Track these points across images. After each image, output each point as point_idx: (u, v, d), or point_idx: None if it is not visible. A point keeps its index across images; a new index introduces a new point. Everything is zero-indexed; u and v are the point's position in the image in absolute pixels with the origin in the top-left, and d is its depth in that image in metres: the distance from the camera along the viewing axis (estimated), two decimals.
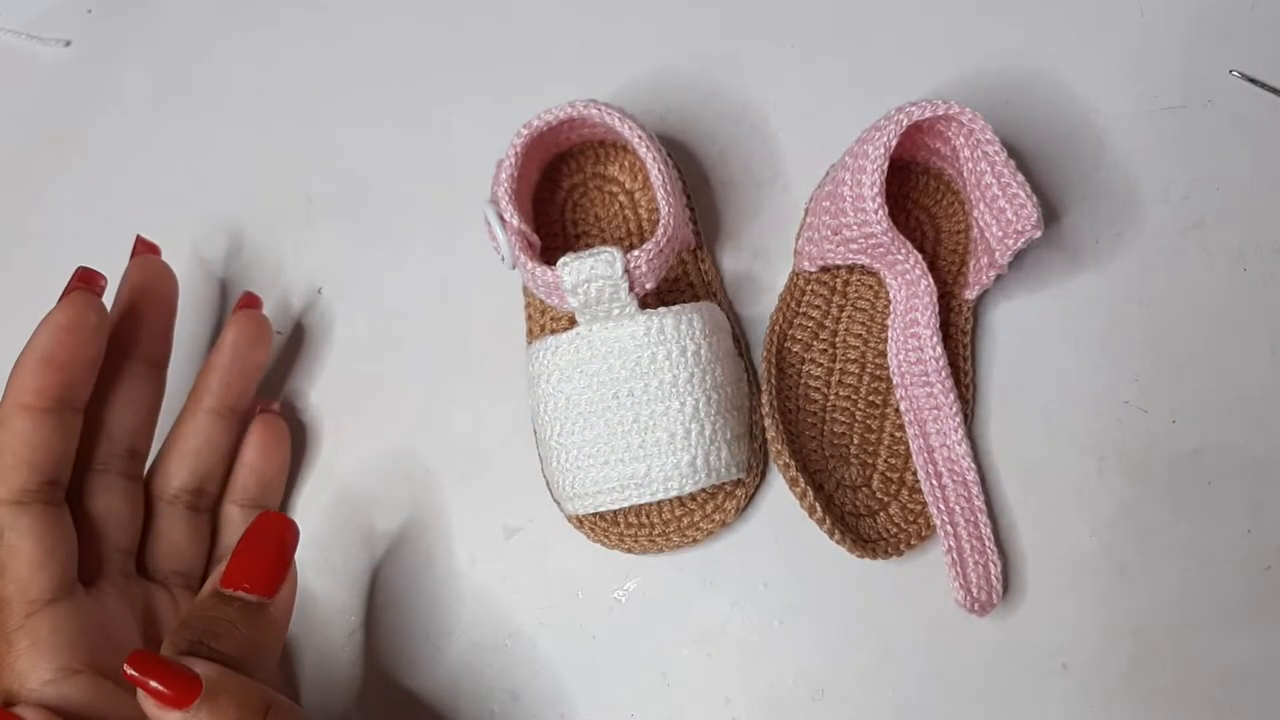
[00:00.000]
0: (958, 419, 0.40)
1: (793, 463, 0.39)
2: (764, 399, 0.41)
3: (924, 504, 0.40)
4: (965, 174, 0.40)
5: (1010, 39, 0.46)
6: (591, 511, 0.40)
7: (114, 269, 0.48)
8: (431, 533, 0.43)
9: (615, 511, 0.41)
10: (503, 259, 0.40)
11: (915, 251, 0.39)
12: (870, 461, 0.41)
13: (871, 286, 0.43)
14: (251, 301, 0.43)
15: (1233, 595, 0.40)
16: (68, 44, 0.52)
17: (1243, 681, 0.39)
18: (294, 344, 0.46)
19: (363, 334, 0.46)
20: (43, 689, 0.33)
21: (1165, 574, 0.40)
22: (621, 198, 0.45)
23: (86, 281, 0.37)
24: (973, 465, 0.40)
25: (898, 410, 0.41)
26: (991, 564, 0.39)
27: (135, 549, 0.39)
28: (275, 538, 0.34)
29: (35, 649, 0.33)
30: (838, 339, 0.43)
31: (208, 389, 0.41)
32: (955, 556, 0.39)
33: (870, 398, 0.42)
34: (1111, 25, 0.46)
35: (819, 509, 0.38)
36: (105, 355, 0.37)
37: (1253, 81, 0.44)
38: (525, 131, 0.39)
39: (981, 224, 0.39)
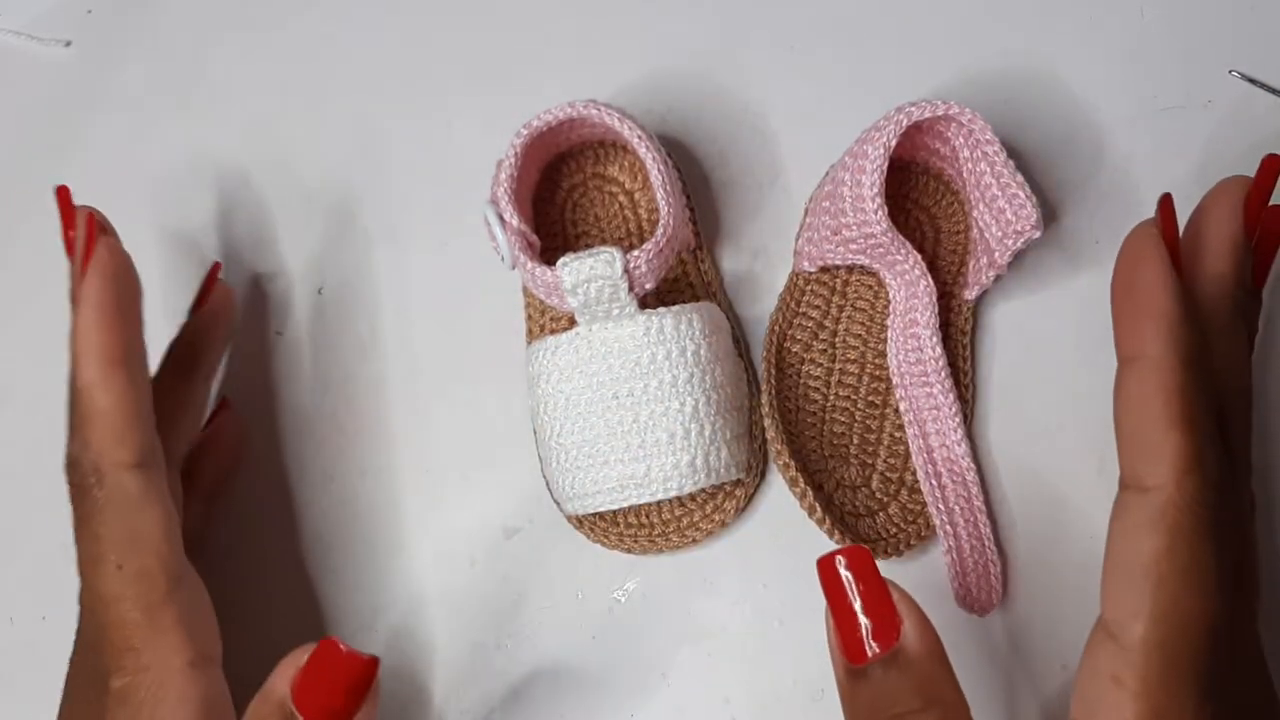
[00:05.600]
0: (957, 419, 0.40)
1: (792, 463, 0.39)
2: (764, 399, 0.41)
3: (923, 504, 0.40)
4: (965, 174, 0.40)
5: (1010, 39, 0.46)
6: (591, 512, 0.40)
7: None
8: (431, 533, 0.43)
9: (615, 512, 0.41)
10: (502, 259, 0.40)
11: (915, 252, 0.39)
12: (870, 462, 0.41)
13: (871, 287, 0.43)
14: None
15: None
16: (68, 44, 0.52)
17: None
18: (294, 344, 0.46)
19: (363, 334, 0.46)
20: (190, 671, 0.32)
21: None
22: (621, 198, 0.45)
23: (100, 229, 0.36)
24: (972, 465, 0.40)
25: (897, 410, 0.41)
26: (991, 564, 0.39)
27: None
28: (344, 675, 0.30)
29: (180, 627, 0.32)
30: (837, 339, 0.43)
31: None
32: (955, 557, 0.39)
33: (870, 398, 0.42)
34: (1111, 26, 0.46)
35: (819, 509, 0.38)
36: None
37: (1253, 82, 0.44)
38: (525, 132, 0.39)
39: (981, 224, 0.39)
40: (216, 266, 0.43)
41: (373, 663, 0.31)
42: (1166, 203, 0.31)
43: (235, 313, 0.44)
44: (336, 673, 0.30)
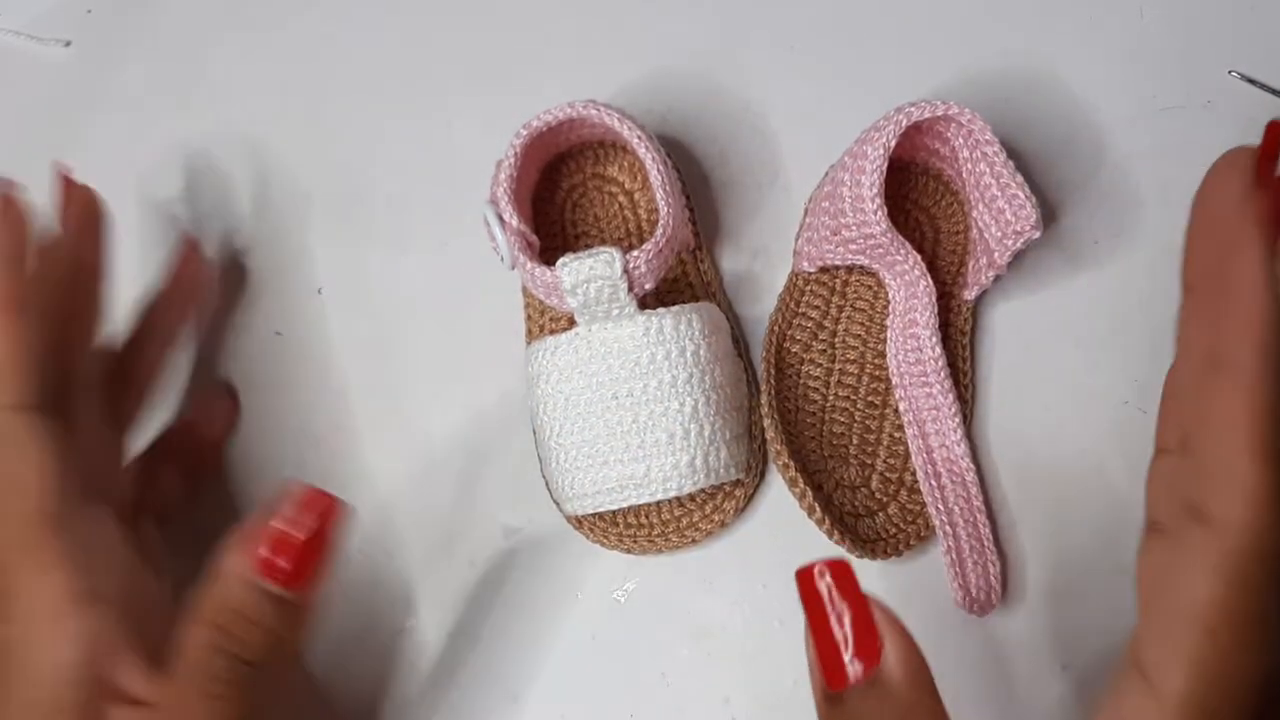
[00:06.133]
0: (957, 419, 0.40)
1: (792, 463, 0.39)
2: (763, 399, 0.41)
3: (923, 504, 0.40)
4: (964, 174, 0.40)
5: (1010, 39, 0.46)
6: (591, 512, 0.40)
7: (113, 269, 0.48)
8: (431, 533, 0.43)
9: (614, 512, 0.41)
10: (502, 259, 0.40)
11: (914, 252, 0.39)
12: (869, 462, 0.41)
13: (870, 287, 0.43)
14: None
15: None
16: (68, 44, 0.52)
17: None
18: (294, 344, 0.46)
19: (363, 334, 0.46)
20: (74, 609, 0.30)
21: None
22: (621, 198, 0.45)
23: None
24: (972, 465, 0.40)
25: (897, 410, 0.41)
26: (990, 564, 0.39)
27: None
28: (318, 519, 0.30)
29: (64, 564, 0.30)
30: (837, 339, 0.43)
31: None
32: (954, 557, 0.39)
33: (869, 398, 0.42)
34: (1111, 26, 0.46)
35: (818, 509, 0.38)
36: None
37: (1252, 82, 0.44)
38: (525, 132, 0.39)
39: (981, 224, 0.39)
40: (188, 241, 0.44)
41: (340, 505, 0.31)
42: (1274, 131, 0.25)
43: (206, 286, 0.45)
44: (310, 520, 0.30)
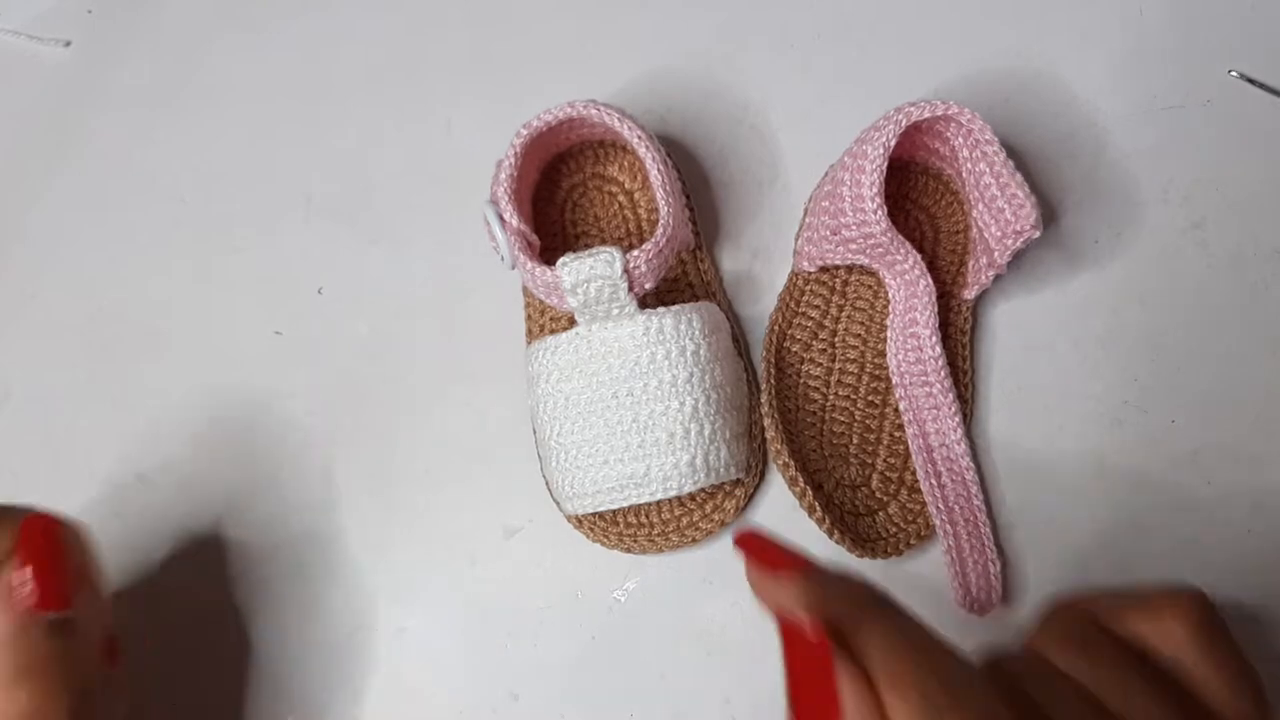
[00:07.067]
0: (957, 419, 0.40)
1: (792, 462, 0.39)
2: (763, 399, 0.41)
3: (923, 504, 0.40)
4: (964, 174, 0.40)
5: (1010, 39, 0.46)
6: (591, 511, 0.40)
7: (113, 269, 0.48)
8: (431, 533, 0.43)
9: (615, 511, 0.41)
10: (502, 259, 0.40)
11: (914, 251, 0.39)
12: (869, 461, 0.41)
13: (871, 286, 0.43)
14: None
15: (1232, 596, 0.40)
16: (68, 44, 0.52)
17: None
18: (294, 344, 0.46)
19: (363, 334, 0.46)
20: None
21: (1165, 574, 0.40)
22: (621, 198, 0.45)
23: None
24: (972, 465, 0.40)
25: (897, 410, 0.41)
26: (991, 564, 0.39)
27: None
28: (47, 544, 0.31)
29: None
30: (837, 339, 0.43)
31: None
32: (954, 556, 0.39)
33: (869, 397, 0.42)
34: (1111, 25, 0.46)
35: (818, 508, 0.38)
36: None
37: (1252, 82, 0.44)
38: (525, 131, 0.40)
39: (980, 224, 0.39)
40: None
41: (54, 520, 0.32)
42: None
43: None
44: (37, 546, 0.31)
